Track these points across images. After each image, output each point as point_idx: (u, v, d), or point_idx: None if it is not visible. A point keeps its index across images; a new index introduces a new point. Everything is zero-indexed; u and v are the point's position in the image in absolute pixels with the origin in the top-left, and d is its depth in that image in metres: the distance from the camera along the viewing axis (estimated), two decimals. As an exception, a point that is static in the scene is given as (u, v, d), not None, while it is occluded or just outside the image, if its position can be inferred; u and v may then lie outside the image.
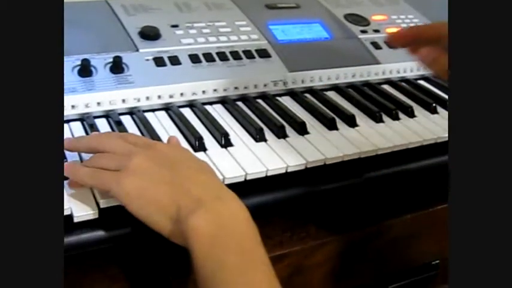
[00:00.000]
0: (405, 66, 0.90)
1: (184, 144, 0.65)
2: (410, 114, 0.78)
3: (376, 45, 0.90)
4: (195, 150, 0.63)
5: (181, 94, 0.72)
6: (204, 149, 0.64)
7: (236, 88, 0.76)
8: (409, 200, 0.72)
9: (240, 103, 0.76)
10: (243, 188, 0.60)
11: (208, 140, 0.66)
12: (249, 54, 0.80)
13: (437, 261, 0.80)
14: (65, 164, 0.54)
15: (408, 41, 0.65)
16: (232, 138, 0.67)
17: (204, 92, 0.74)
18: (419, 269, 0.80)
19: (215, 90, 0.74)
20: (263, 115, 0.72)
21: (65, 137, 0.58)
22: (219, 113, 0.73)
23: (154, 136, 0.64)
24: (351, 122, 0.73)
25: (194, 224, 0.46)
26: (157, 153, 0.53)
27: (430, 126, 0.75)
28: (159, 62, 0.74)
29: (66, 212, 0.51)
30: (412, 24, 1.00)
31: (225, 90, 0.75)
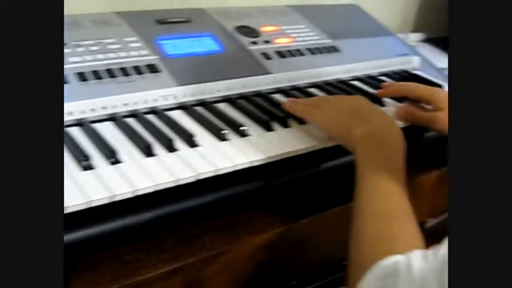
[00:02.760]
0: (296, 75, 0.92)
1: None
2: (301, 120, 0.80)
3: (266, 56, 0.92)
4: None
5: (70, 113, 0.71)
6: (91, 168, 0.63)
7: (125, 104, 0.75)
8: (304, 205, 0.74)
9: (130, 119, 0.75)
10: (135, 202, 0.60)
11: (97, 158, 0.65)
12: (138, 70, 0.80)
13: (344, 262, 0.82)
14: (288, 100, 0.82)
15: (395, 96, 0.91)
16: (122, 155, 0.66)
17: (92, 110, 0.73)
18: (328, 268, 0.82)
19: (104, 107, 0.74)
20: (152, 130, 0.72)
21: None
22: (108, 130, 0.72)
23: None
24: (242, 132, 0.74)
25: (358, 134, 0.69)
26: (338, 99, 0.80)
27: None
28: (44, 82, 0.72)
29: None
30: (302, 34, 1.03)
31: (114, 107, 0.74)
